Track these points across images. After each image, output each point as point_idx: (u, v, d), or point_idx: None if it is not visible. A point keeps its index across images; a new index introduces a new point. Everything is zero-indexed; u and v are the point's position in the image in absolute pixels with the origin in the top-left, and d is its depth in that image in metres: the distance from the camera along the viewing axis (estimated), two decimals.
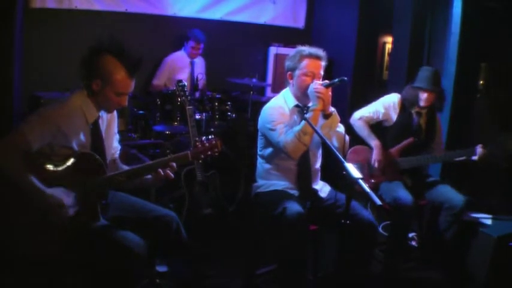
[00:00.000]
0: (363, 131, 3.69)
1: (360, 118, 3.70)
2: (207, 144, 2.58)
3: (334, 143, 2.99)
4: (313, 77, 2.94)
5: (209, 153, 2.58)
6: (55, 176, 2.34)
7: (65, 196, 2.33)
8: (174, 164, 2.51)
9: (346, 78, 2.81)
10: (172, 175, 2.52)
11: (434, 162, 3.91)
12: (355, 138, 3.67)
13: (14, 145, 2.25)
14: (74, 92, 2.49)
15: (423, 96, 3.58)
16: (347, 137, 3.03)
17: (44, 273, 2.35)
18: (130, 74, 2.44)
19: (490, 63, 4.95)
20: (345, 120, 3.45)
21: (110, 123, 2.68)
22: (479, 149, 3.46)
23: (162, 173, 2.49)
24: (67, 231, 2.33)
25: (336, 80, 2.84)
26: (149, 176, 2.57)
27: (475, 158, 3.47)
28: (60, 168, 2.37)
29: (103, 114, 2.60)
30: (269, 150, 3.07)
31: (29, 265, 2.31)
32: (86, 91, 2.46)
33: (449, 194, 3.49)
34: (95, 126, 2.55)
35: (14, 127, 2.34)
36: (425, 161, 3.67)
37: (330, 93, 2.89)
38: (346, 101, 3.33)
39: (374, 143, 3.66)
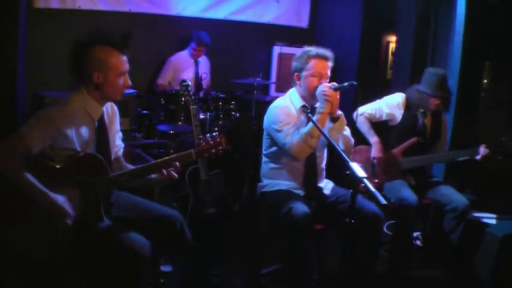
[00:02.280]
0: (363, 127, 3.68)
1: (362, 114, 3.69)
2: (211, 142, 2.54)
3: (341, 145, 2.96)
4: (320, 77, 2.92)
5: (213, 151, 2.54)
6: (58, 177, 2.33)
7: (68, 198, 2.32)
8: (178, 163, 2.48)
9: (355, 82, 2.79)
10: (176, 175, 2.50)
11: (437, 162, 3.89)
12: (357, 135, 3.65)
13: (14, 147, 2.24)
14: (73, 93, 2.48)
15: (431, 101, 3.55)
16: (352, 140, 3.03)
17: (46, 274, 2.35)
18: (121, 51, 2.46)
19: (494, 62, 4.93)
20: (350, 122, 3.43)
21: (111, 120, 2.67)
22: (482, 149, 3.45)
23: (166, 174, 2.47)
24: (70, 232, 2.32)
25: (346, 83, 2.82)
26: (153, 175, 2.56)
27: (478, 157, 3.46)
28: (62, 170, 2.35)
29: (104, 112, 2.59)
30: (275, 150, 3.05)
31: (31, 266, 2.30)
32: (88, 88, 2.45)
33: (452, 196, 3.48)
34: (101, 123, 2.54)
35: (17, 127, 2.34)
36: (427, 161, 3.65)
37: (338, 96, 2.87)
38: (352, 104, 3.30)
39: (373, 139, 3.65)
